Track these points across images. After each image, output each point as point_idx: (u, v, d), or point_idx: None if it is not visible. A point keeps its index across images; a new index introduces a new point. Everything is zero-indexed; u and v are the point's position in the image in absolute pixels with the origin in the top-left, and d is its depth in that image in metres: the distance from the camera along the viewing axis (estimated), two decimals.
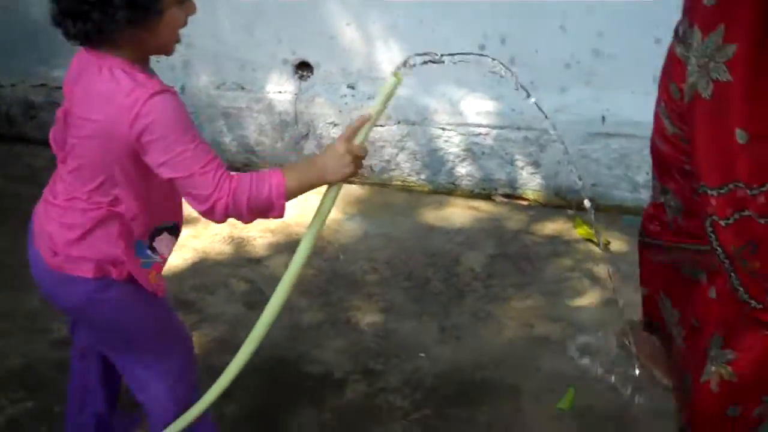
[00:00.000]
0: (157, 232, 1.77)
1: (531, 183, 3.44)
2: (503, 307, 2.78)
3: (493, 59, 1.90)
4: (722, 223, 1.76)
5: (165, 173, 1.61)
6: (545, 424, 2.36)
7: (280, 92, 3.60)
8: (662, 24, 3.13)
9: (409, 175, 3.53)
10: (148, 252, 1.77)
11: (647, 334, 2.51)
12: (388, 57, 3.46)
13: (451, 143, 3.46)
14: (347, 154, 1.71)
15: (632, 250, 3.01)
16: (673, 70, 1.94)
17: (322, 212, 1.76)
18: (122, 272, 1.74)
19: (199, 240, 3.12)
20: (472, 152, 3.45)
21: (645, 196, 3.34)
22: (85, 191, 1.70)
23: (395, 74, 1.72)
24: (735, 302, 1.85)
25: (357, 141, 1.73)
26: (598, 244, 3.04)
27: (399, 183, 3.54)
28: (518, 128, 3.39)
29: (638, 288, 2.78)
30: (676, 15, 3.10)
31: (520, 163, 3.43)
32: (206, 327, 2.70)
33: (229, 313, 2.76)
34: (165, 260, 1.84)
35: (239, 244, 3.13)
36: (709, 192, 1.76)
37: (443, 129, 3.45)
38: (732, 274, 1.81)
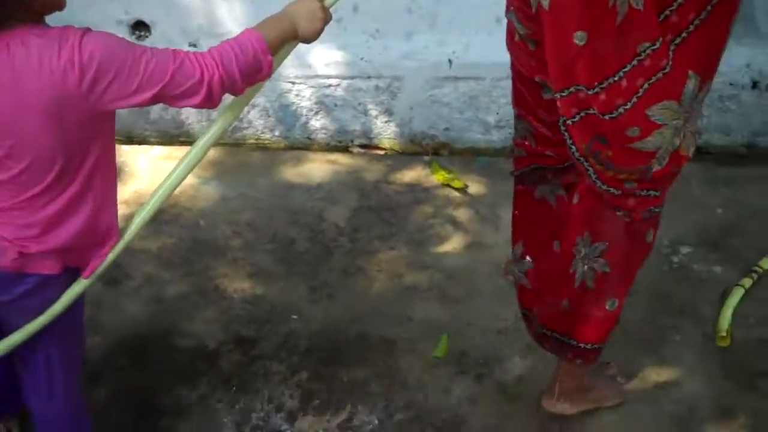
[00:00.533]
0: None
1: (386, 132, 3.43)
2: (371, 260, 2.79)
3: None
4: (569, 122, 1.85)
5: (144, 97, 1.53)
6: (423, 373, 2.40)
7: None
8: None
9: (263, 133, 3.45)
10: None
11: None
12: (228, 10, 3.35)
13: (303, 97, 3.40)
14: (320, 10, 1.68)
15: (490, 192, 3.10)
16: None
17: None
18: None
19: None
20: (324, 105, 3.41)
21: (496, 137, 3.41)
22: (40, 189, 1.60)
23: None
24: (595, 197, 1.95)
25: (327, 3, 1.72)
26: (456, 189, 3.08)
27: (253, 141, 3.45)
28: (368, 77, 3.36)
29: (499, 228, 2.88)
30: None
31: (373, 113, 3.41)
32: None
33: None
34: None
35: None
36: (557, 95, 1.84)
37: (293, 83, 3.38)
38: (589, 169, 1.90)
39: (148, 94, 1.54)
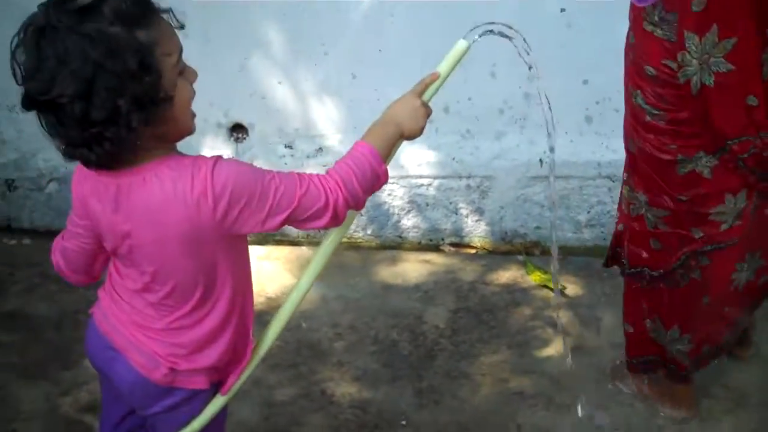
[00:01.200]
0: None
1: (477, 230, 3.48)
2: (474, 363, 2.80)
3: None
4: (744, 156, 2.10)
5: (275, 222, 1.55)
6: None
7: None
8: (590, 67, 3.27)
9: (356, 231, 3.52)
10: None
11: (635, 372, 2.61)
12: (323, 113, 3.45)
13: (395, 196, 3.47)
14: (422, 107, 1.72)
15: (587, 293, 3.12)
16: (649, 50, 2.10)
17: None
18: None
19: None
20: (416, 204, 3.48)
21: (588, 235, 3.44)
22: (186, 310, 1.65)
23: (466, 39, 1.77)
24: None
25: (425, 98, 1.75)
26: (553, 290, 3.11)
27: (346, 240, 3.52)
28: (459, 177, 3.43)
29: (600, 331, 2.89)
30: (602, 58, 3.24)
31: (464, 211, 3.47)
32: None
33: None
34: None
35: None
36: (729, 143, 2.10)
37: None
38: None
39: (277, 219, 1.56)
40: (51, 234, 3.62)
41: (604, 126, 3.34)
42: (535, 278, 3.18)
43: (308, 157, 3.47)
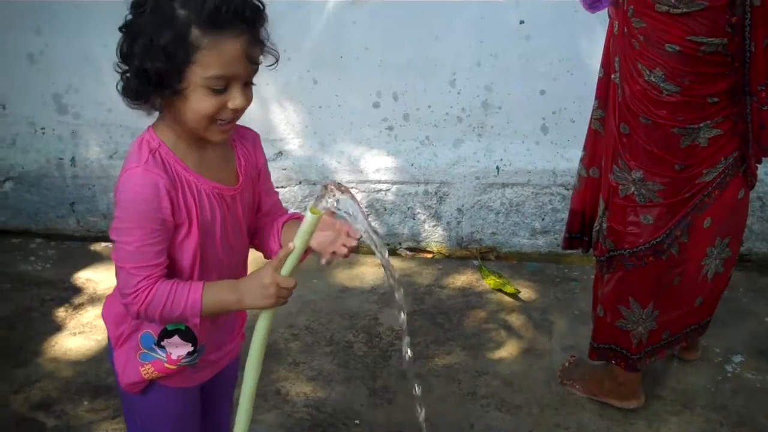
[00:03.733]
0: (167, 333, 1.71)
1: (433, 235, 3.53)
2: (428, 364, 2.83)
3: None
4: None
5: (112, 246, 1.61)
6: None
7: None
8: (547, 78, 3.34)
9: None
10: (154, 346, 1.72)
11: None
12: (284, 117, 3.48)
13: None
14: (271, 286, 1.61)
15: (541, 297, 3.17)
16: (669, 29, 2.21)
17: (257, 341, 1.72)
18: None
19: None
20: (374, 208, 3.51)
21: (542, 242, 3.50)
22: None
23: (312, 210, 1.61)
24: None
25: (284, 272, 1.63)
26: (508, 294, 3.16)
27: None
28: (417, 182, 3.47)
29: (553, 334, 2.93)
30: (559, 69, 3.31)
31: (421, 216, 3.51)
32: None
33: None
34: (174, 363, 1.74)
35: None
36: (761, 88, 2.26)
37: None
38: None
39: (112, 250, 1.63)
40: (5, 233, 3.65)
41: (559, 136, 3.41)
42: (489, 282, 3.22)
43: (269, 160, 3.47)
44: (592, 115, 2.58)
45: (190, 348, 1.74)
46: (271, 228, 1.78)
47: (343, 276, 3.30)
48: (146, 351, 1.72)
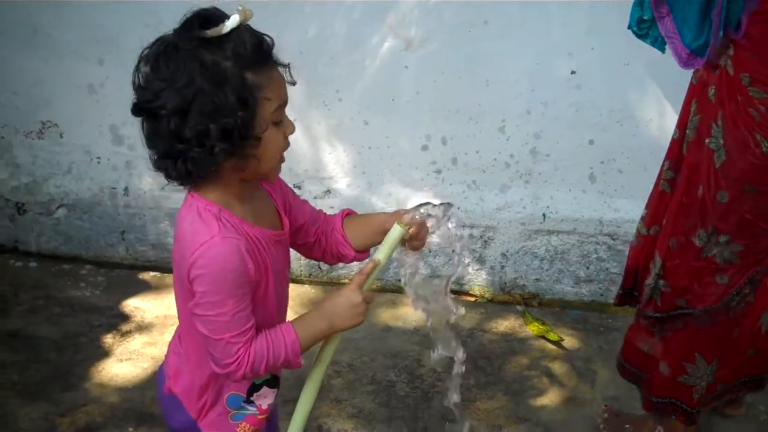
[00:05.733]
0: (255, 387, 1.73)
1: (477, 279, 3.55)
2: (470, 407, 2.84)
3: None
4: None
5: (197, 323, 1.57)
6: None
7: None
8: (597, 128, 3.37)
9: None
10: (243, 404, 1.74)
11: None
12: (333, 156, 3.53)
13: None
14: (362, 305, 1.67)
15: (584, 346, 3.17)
16: None
17: (323, 360, 1.73)
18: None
19: (156, 347, 3.06)
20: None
21: (585, 290, 3.50)
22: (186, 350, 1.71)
23: (399, 224, 1.69)
24: None
25: (365, 288, 1.70)
26: (551, 341, 3.16)
27: (347, 281, 3.57)
28: (463, 225, 3.50)
29: (595, 384, 2.93)
30: (609, 120, 3.33)
31: (465, 260, 3.53)
32: None
33: None
34: (265, 412, 1.78)
35: None
36: None
37: None
38: None
39: (198, 326, 1.58)
40: (57, 258, 3.72)
41: (607, 185, 3.43)
42: (533, 329, 3.23)
43: (315, 197, 3.54)
44: (661, 175, 2.52)
45: (275, 392, 1.78)
46: (331, 234, 1.80)
47: (386, 315, 3.32)
48: (236, 411, 1.74)
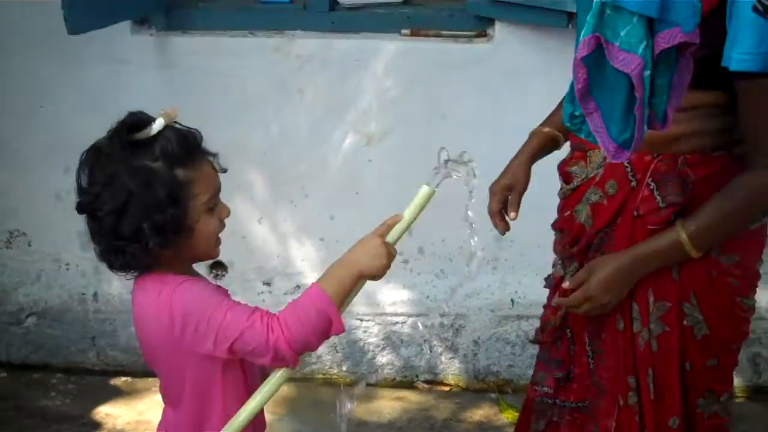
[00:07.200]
0: None
1: (450, 368, 3.55)
2: None
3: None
4: None
5: (223, 348, 1.61)
6: None
7: None
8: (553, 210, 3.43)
9: (331, 368, 3.57)
10: None
11: None
12: (301, 252, 3.56)
13: (370, 333, 3.55)
14: (382, 246, 1.69)
15: None
16: None
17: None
18: None
19: None
20: (391, 340, 3.55)
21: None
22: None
23: (428, 184, 1.76)
24: None
25: (390, 240, 1.73)
26: None
27: (321, 376, 3.57)
28: (433, 314, 3.52)
29: None
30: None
31: (438, 349, 3.54)
32: None
33: None
34: None
35: None
36: None
37: (361, 320, 3.54)
38: None
39: (224, 346, 1.61)
40: (27, 367, 3.68)
41: None
42: (507, 416, 3.22)
43: (286, 293, 3.55)
44: None
45: None
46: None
47: (360, 410, 3.31)
48: None
